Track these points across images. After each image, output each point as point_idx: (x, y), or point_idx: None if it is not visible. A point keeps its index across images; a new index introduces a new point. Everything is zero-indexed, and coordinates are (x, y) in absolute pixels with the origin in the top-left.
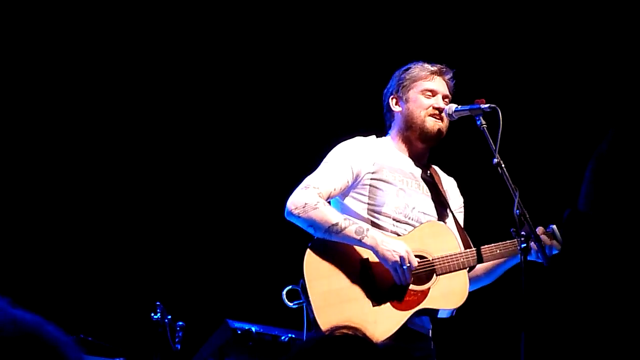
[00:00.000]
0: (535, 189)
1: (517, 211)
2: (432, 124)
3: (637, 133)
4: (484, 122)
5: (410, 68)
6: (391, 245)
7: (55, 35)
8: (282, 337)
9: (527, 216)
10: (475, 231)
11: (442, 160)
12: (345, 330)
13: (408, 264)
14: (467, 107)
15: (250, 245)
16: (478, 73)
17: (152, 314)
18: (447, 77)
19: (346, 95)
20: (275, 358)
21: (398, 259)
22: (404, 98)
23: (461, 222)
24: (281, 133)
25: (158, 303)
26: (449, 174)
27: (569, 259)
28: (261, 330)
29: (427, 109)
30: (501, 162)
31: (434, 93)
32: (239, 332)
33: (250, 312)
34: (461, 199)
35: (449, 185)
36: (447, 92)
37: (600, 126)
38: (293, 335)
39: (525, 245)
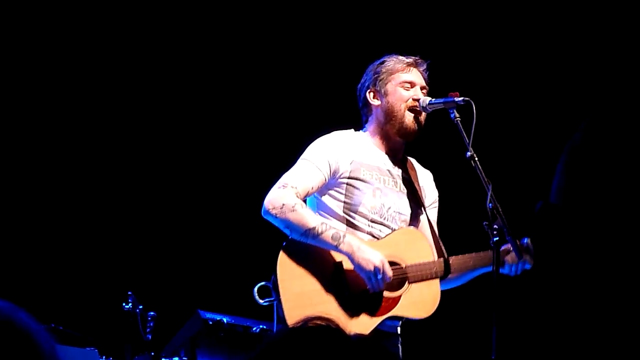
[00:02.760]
0: (509, 183)
1: (490, 204)
2: (412, 120)
3: (609, 126)
4: (457, 115)
5: (385, 61)
6: (367, 254)
7: (55, 35)
8: (254, 329)
9: (500, 210)
10: (450, 226)
11: (416, 152)
12: (319, 322)
13: (382, 274)
14: (441, 100)
15: (222, 236)
16: (452, 66)
17: (124, 304)
18: (422, 68)
19: (322, 90)
20: (246, 349)
21: (372, 269)
22: (382, 91)
23: (435, 218)
24: (258, 127)
25: (130, 293)
26: (424, 167)
27: (542, 251)
28: (232, 321)
29: (406, 101)
30: (474, 155)
31: (412, 85)
32: (210, 322)
33: (222, 303)
34: (436, 193)
35: (425, 180)
36: (424, 83)
37: (573, 119)
38: (264, 327)
39: (497, 239)
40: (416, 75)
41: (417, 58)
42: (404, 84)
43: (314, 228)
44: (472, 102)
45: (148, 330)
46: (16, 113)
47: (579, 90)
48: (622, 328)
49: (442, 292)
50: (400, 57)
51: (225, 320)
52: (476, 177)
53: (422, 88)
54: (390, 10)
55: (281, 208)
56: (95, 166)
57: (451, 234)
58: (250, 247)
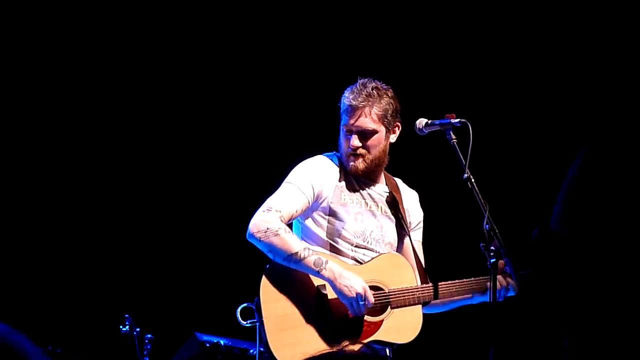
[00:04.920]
0: (505, 205)
1: (487, 226)
2: (352, 164)
3: (608, 157)
4: (454, 136)
5: (343, 94)
6: (349, 280)
7: (55, 36)
8: (251, 351)
9: (497, 231)
10: (444, 247)
11: (412, 174)
12: None
13: (364, 301)
14: (437, 122)
15: (219, 258)
16: (449, 87)
17: (121, 327)
18: (369, 108)
19: (307, 113)
20: None
21: (354, 295)
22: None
23: (419, 238)
24: (246, 152)
25: (126, 315)
26: (416, 188)
27: (539, 276)
28: (230, 343)
29: (346, 149)
30: (471, 177)
31: (349, 131)
32: (207, 345)
33: (219, 325)
34: (421, 214)
35: (410, 201)
36: (365, 126)
37: (571, 141)
38: (262, 349)
39: (494, 260)
40: (355, 119)
41: (357, 103)
42: (344, 129)
43: (296, 253)
44: (469, 124)
45: (145, 352)
46: (16, 116)
47: (576, 113)
48: (617, 346)
49: (436, 316)
50: (348, 97)
51: (222, 342)
52: (473, 198)
53: (363, 131)
54: (387, 29)
55: (265, 232)
56: (93, 190)
57: (446, 257)
58: (247, 270)
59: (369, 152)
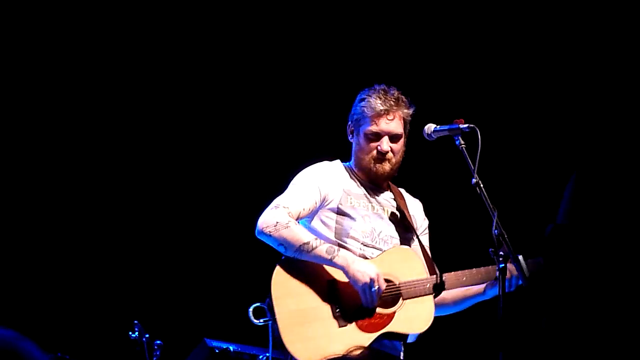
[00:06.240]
0: (514, 209)
1: (496, 231)
2: (376, 168)
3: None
4: (462, 142)
5: (364, 99)
6: (362, 266)
7: (55, 36)
8: (260, 357)
9: (506, 236)
10: (453, 251)
11: (421, 180)
12: None
13: (377, 287)
14: (446, 127)
15: (229, 264)
16: (457, 93)
17: (130, 333)
18: (399, 112)
19: (312, 119)
20: None
21: (368, 280)
22: (355, 132)
23: (426, 245)
24: (254, 157)
25: (136, 322)
26: (425, 195)
27: (553, 268)
28: (239, 349)
29: (370, 153)
30: (480, 182)
31: (378, 136)
32: (217, 351)
33: (228, 331)
34: (426, 222)
35: (415, 209)
36: (395, 131)
37: (578, 146)
38: (274, 355)
39: (503, 265)
40: (385, 125)
41: (392, 101)
42: (369, 134)
43: (307, 243)
44: (477, 129)
45: (154, 359)
46: (16, 120)
47: (583, 117)
48: (622, 332)
49: (447, 320)
50: (376, 102)
51: (231, 348)
52: (482, 204)
53: (393, 136)
54: (396, 36)
55: (275, 226)
56: (103, 197)
57: (455, 261)
58: (256, 276)
59: (394, 156)
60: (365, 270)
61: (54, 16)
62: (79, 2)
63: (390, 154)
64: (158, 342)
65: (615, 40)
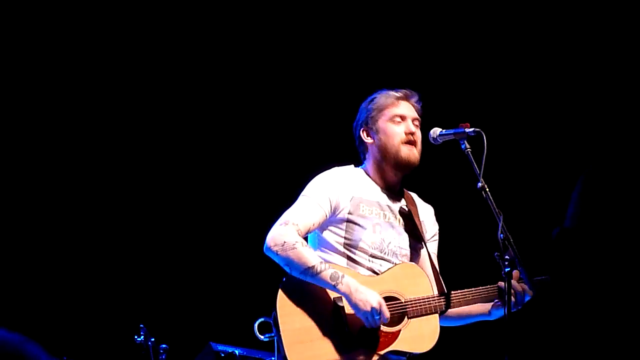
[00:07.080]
0: (520, 214)
1: (501, 235)
2: (407, 153)
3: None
4: (468, 146)
5: (375, 98)
6: (364, 295)
7: (55, 36)
8: None
9: (512, 240)
10: (459, 256)
11: (426, 184)
12: None
13: (379, 315)
14: (451, 131)
15: (234, 268)
16: (463, 97)
17: (136, 337)
18: (414, 100)
19: (322, 126)
20: None
21: (369, 310)
22: (374, 129)
23: (435, 251)
24: (264, 165)
25: (141, 325)
26: (431, 199)
27: (561, 270)
28: (244, 353)
29: (399, 136)
30: (485, 186)
31: (403, 118)
32: (222, 355)
33: (234, 335)
34: (436, 227)
35: (426, 214)
36: (416, 115)
37: (586, 148)
38: (276, 359)
39: (509, 269)
40: (407, 108)
41: (406, 91)
42: (394, 119)
43: (313, 267)
44: (483, 133)
45: None
46: (19, 122)
47: (588, 121)
48: (631, 336)
49: (453, 329)
50: (390, 92)
51: (237, 352)
52: (487, 208)
53: (414, 120)
54: (402, 40)
55: (282, 245)
56: (110, 201)
57: (459, 265)
58: (262, 280)
59: (418, 141)
60: (367, 300)
61: (54, 16)
62: (79, 2)
63: (416, 136)
64: (164, 345)
65: (620, 46)
